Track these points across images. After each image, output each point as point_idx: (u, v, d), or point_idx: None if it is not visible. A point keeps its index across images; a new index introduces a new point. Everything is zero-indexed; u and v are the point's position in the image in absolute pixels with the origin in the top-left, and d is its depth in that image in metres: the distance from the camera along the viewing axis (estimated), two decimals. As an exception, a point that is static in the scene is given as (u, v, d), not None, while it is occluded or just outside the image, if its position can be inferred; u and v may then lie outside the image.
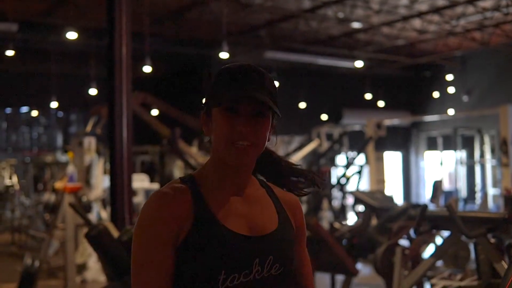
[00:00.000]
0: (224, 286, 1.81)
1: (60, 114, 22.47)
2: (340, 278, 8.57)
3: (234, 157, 1.87)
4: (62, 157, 17.95)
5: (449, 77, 20.20)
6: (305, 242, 2.15)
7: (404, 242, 7.76)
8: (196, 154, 12.42)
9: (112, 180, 6.33)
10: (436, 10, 14.80)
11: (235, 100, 1.85)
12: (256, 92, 1.86)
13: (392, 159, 22.37)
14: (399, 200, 17.39)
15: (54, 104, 18.73)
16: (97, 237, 4.47)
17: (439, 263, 7.79)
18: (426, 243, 8.42)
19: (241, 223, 1.91)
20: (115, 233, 4.57)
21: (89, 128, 12.19)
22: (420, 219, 4.85)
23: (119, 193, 6.22)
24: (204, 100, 2.00)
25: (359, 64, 16.95)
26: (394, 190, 20.90)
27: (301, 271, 2.14)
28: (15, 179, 18.97)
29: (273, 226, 1.96)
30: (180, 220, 1.84)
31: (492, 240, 4.67)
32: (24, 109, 22.18)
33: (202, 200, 1.90)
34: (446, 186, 18.62)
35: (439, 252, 5.26)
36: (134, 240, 1.87)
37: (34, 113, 22.00)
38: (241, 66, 1.92)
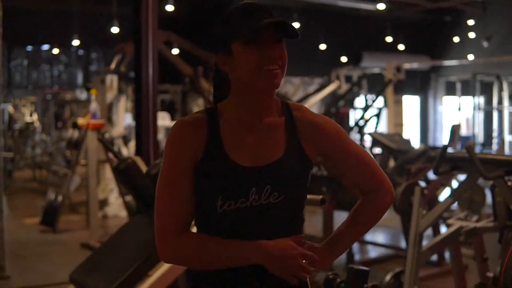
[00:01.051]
0: (222, 210, 2.01)
1: (81, 52, 22.47)
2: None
3: (267, 81, 2.00)
4: (82, 95, 18.06)
5: (470, 22, 20.01)
6: (348, 150, 2.19)
7: (421, 184, 7.86)
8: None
9: (138, 117, 6.43)
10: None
11: (266, 26, 1.96)
12: (276, 19, 1.99)
13: (411, 103, 22.34)
14: (416, 143, 17.45)
15: (75, 42, 18.74)
16: (126, 171, 4.61)
17: (454, 207, 7.91)
18: (443, 185, 8.53)
19: (246, 153, 2.06)
20: (143, 167, 4.70)
21: (113, 65, 12.24)
22: (440, 160, 4.93)
23: (144, 130, 6.34)
24: (216, 42, 2.11)
25: (381, 6, 16.82)
26: (411, 133, 20.93)
27: (357, 175, 2.23)
28: (35, 116, 19.14)
29: (277, 155, 2.08)
30: (193, 149, 2.05)
31: (510, 183, 4.76)
32: (45, 47, 22.19)
33: (216, 132, 2.07)
34: (463, 131, 18.62)
35: (456, 194, 5.36)
36: (162, 162, 2.10)
37: (55, 51, 21.97)
38: (250, 3, 2.06)
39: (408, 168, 7.71)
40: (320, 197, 3.21)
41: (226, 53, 2.06)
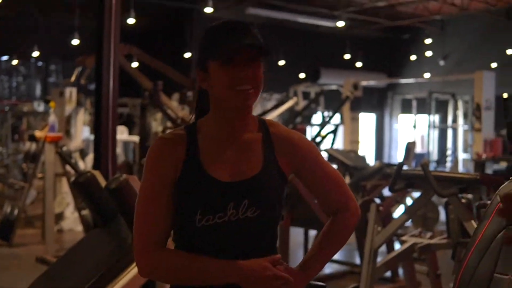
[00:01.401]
0: (201, 224, 2.05)
1: (40, 63, 22.21)
2: (313, 233, 8.77)
3: (239, 101, 2.06)
4: (39, 107, 17.86)
5: (428, 41, 20.29)
6: (320, 168, 2.24)
7: (376, 200, 7.96)
8: (176, 108, 12.51)
9: (97, 130, 6.40)
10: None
11: (237, 50, 2.03)
12: (251, 41, 2.07)
13: (367, 120, 22.54)
14: (371, 160, 17.62)
15: (35, 54, 18.53)
16: (85, 184, 4.60)
17: (408, 224, 8.01)
18: (398, 202, 8.64)
19: (224, 169, 2.11)
20: (102, 181, 4.70)
21: (73, 78, 12.18)
22: (396, 177, 5.00)
23: (103, 143, 6.32)
24: (198, 59, 2.16)
25: (340, 24, 16.97)
26: (367, 150, 21.10)
27: (326, 193, 2.29)
28: (-9, 128, 18.85)
29: (255, 171, 2.12)
30: (173, 165, 2.10)
31: (463, 201, 4.85)
32: (4, 57, 21.90)
33: (195, 148, 2.12)
34: (418, 149, 18.86)
35: (410, 211, 5.44)
36: (142, 178, 2.14)
37: (14, 62, 21.66)
38: (229, 21, 2.14)
39: (363, 185, 7.80)
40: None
41: (204, 70, 2.12)
